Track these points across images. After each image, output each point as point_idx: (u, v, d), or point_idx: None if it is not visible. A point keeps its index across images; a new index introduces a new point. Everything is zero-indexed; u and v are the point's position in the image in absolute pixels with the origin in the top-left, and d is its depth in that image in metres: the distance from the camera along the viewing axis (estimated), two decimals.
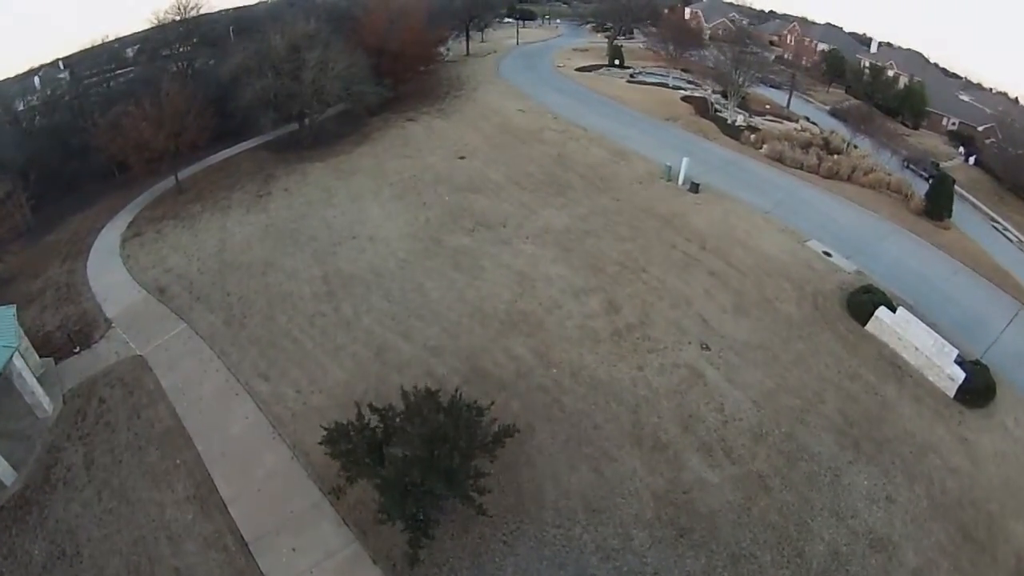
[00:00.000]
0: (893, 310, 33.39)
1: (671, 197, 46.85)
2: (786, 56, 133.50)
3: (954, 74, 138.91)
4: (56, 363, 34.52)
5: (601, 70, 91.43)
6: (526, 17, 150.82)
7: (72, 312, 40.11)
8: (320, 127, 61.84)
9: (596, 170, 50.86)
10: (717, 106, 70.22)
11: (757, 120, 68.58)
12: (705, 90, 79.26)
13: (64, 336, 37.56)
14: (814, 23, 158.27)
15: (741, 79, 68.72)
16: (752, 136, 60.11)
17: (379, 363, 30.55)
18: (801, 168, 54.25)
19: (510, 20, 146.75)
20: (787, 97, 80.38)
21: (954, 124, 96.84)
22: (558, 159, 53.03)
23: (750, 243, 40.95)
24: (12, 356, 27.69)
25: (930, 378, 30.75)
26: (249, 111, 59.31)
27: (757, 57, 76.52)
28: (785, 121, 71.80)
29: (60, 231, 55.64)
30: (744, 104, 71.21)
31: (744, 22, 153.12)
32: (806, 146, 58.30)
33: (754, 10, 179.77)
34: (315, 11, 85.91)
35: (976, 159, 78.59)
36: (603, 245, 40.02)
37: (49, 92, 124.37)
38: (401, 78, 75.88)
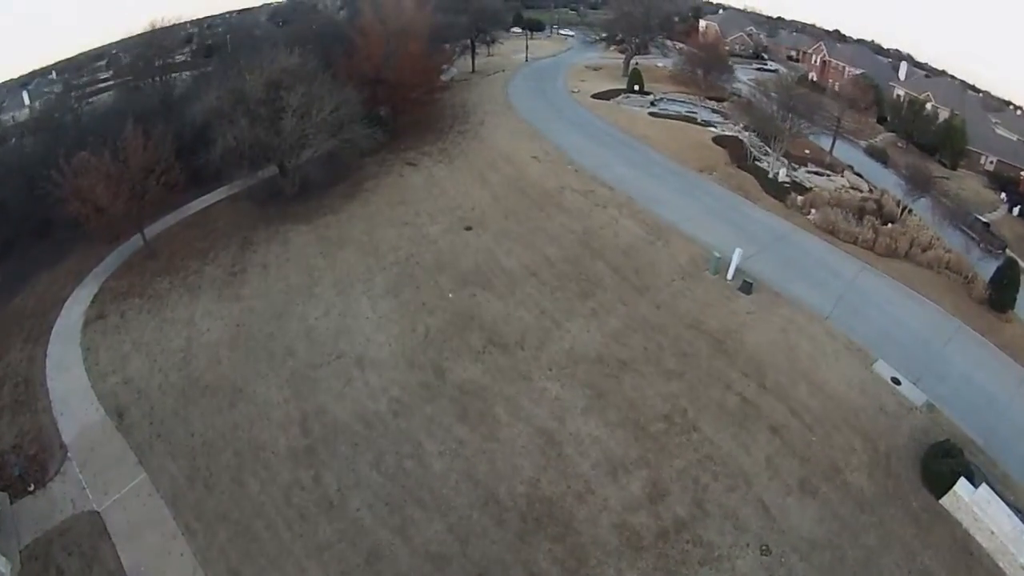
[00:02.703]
0: (971, 476, 28.25)
1: (721, 302, 40.05)
2: (811, 76, 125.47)
3: (974, 87, 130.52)
4: (11, 502, 31.48)
5: (619, 97, 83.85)
6: (534, 28, 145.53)
7: (28, 426, 35.85)
8: (305, 173, 54.99)
9: (630, 256, 43.99)
10: (755, 152, 62.92)
11: (801, 173, 61.27)
12: (737, 126, 71.80)
13: (19, 459, 33.85)
14: (835, 39, 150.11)
15: (789, 126, 61.10)
16: (799, 198, 53.19)
17: (371, 575, 24.83)
18: (856, 243, 47.73)
19: (518, 30, 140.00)
20: (831, 142, 72.69)
21: (992, 163, 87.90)
22: (583, 238, 45.03)
23: (815, 375, 34.24)
24: None
25: (1001, 564, 26.34)
26: (222, 162, 52.28)
27: (808, 100, 68.32)
28: (830, 173, 64.55)
29: (26, 294, 50.96)
30: (777, 141, 64.08)
31: (761, 36, 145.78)
32: (859, 212, 51.58)
33: (768, 18, 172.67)
34: (304, 37, 78.27)
35: (1021, 209, 70.45)
36: (645, 385, 33.24)
37: (39, 105, 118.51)
38: (400, 109, 68.53)
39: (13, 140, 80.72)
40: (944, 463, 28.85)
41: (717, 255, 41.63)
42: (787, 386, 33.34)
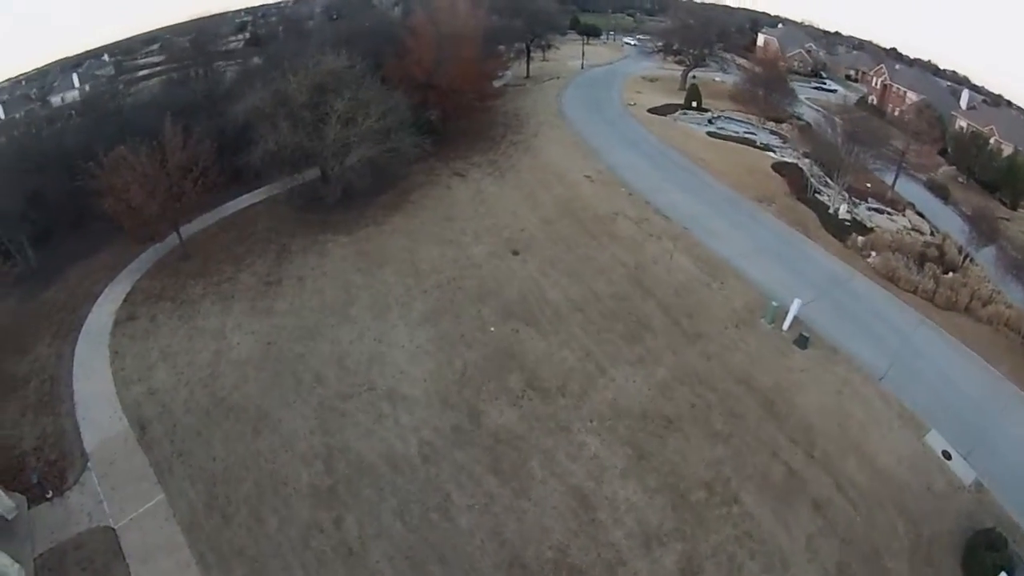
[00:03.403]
0: (1012, 571, 27.54)
1: (775, 356, 38.90)
2: (871, 99, 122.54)
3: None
4: (28, 507, 32.33)
5: (676, 113, 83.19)
6: (591, 33, 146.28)
7: (51, 429, 36.85)
8: (349, 180, 54.58)
9: (682, 297, 42.56)
10: (816, 183, 61.34)
11: (862, 210, 59.65)
12: (797, 152, 70.13)
13: (39, 463, 34.92)
14: (892, 59, 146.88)
15: (853, 158, 59.44)
16: (860, 239, 52.06)
17: None
18: (915, 292, 46.86)
19: (574, 35, 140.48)
20: (893, 176, 70.44)
21: None
22: (635, 273, 44.70)
23: (866, 445, 33.12)
24: None
25: None
26: (262, 164, 52.77)
27: (873, 130, 66.32)
28: (891, 211, 62.80)
29: (59, 286, 52.42)
30: (839, 175, 62.31)
31: (820, 53, 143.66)
32: (920, 258, 50.59)
33: (825, 33, 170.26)
34: (354, 36, 79.03)
35: None
36: (689, 448, 32.34)
37: (88, 88, 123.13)
38: (451, 115, 68.47)
39: (59, 124, 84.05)
40: (987, 556, 27.99)
41: (775, 304, 40.69)
42: (836, 457, 32.47)
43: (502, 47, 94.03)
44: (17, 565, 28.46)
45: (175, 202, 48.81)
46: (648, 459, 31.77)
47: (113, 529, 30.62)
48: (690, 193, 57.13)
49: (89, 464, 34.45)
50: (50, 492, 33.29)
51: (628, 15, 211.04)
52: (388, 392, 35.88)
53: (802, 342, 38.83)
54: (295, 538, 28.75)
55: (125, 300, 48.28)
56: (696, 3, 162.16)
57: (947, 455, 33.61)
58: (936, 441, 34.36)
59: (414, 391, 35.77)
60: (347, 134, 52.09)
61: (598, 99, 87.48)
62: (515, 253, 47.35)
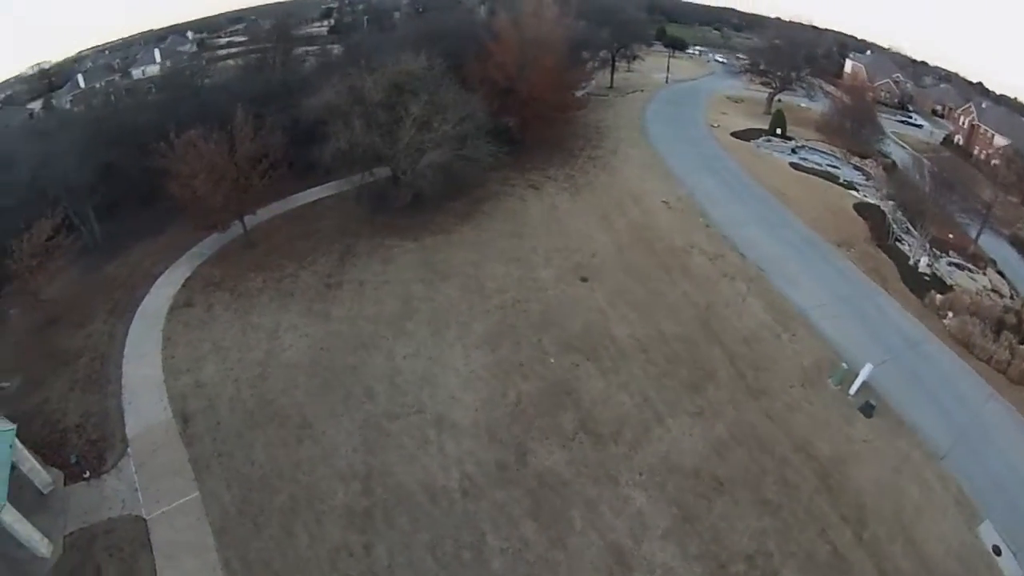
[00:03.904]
0: None
1: (838, 423, 37.18)
2: (956, 138, 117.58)
3: None
4: (64, 483, 33.54)
5: (760, 140, 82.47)
6: (677, 46, 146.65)
7: (96, 408, 38.21)
8: (420, 185, 54.41)
9: (751, 347, 41.53)
10: (897, 230, 59.08)
11: (943, 264, 57.28)
12: (880, 193, 67.65)
13: (80, 442, 36.32)
14: (982, 96, 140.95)
15: (938, 207, 56.97)
16: (938, 297, 50.28)
17: None
18: (989, 362, 44.73)
19: (659, 46, 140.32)
20: (978, 229, 67.17)
21: None
22: (704, 315, 43.92)
23: (916, 530, 31.61)
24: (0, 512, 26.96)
25: None
26: (332, 162, 53.40)
27: (963, 177, 63.50)
28: (972, 268, 60.26)
29: (121, 262, 54.64)
30: (924, 224, 59.77)
31: (908, 84, 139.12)
32: (998, 324, 48.42)
33: (912, 62, 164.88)
34: (437, 33, 79.82)
35: None
36: (736, 515, 31.08)
37: (169, 64, 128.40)
38: (530, 124, 68.24)
39: (137, 98, 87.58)
40: None
41: (844, 366, 39.49)
42: (884, 540, 30.96)
43: (587, 54, 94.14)
44: (46, 540, 29.64)
45: (240, 193, 49.97)
46: (693, 522, 30.89)
47: (144, 520, 31.41)
48: (769, 230, 56.03)
49: (129, 450, 35.47)
50: (87, 472, 34.39)
51: (715, 29, 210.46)
52: (437, 417, 35.78)
53: (867, 410, 37.50)
54: (323, 558, 28.81)
55: (184, 285, 49.78)
56: (784, 21, 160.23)
57: (997, 550, 31.92)
58: (988, 534, 32.79)
59: (463, 420, 35.58)
60: (421, 138, 51.89)
61: (681, 117, 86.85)
62: (583, 280, 46.81)
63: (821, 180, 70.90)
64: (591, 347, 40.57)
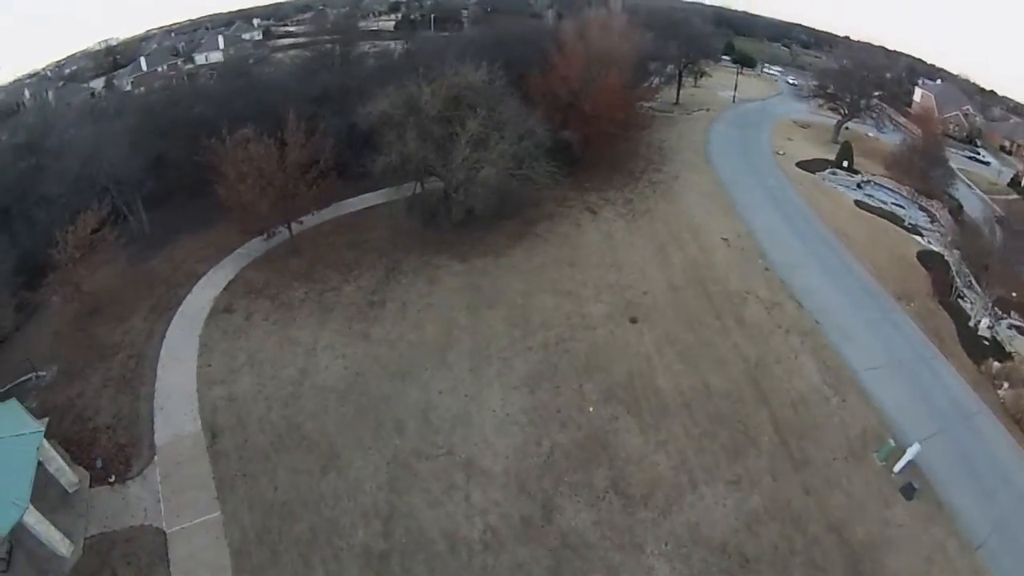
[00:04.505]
0: None
1: (876, 503, 35.99)
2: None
3: None
4: (90, 484, 35.05)
5: (825, 172, 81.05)
6: (745, 63, 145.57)
7: (127, 410, 39.81)
8: (473, 201, 54.20)
9: (799, 411, 40.37)
10: (960, 285, 57.32)
11: (1003, 327, 54.91)
12: (945, 239, 65.68)
13: (109, 443, 37.90)
14: None
15: (1006, 261, 55.01)
16: (995, 365, 48.34)
17: None
18: None
19: (727, 61, 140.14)
20: None
21: None
22: (754, 372, 42.78)
23: None
24: (23, 515, 28.38)
25: None
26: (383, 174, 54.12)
27: None
28: None
29: (167, 256, 56.53)
30: (988, 281, 57.61)
31: (977, 118, 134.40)
32: None
33: (981, 90, 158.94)
34: (501, 40, 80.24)
35: None
36: None
37: (232, 52, 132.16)
38: (591, 141, 68.28)
39: (197, 83, 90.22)
40: None
41: (891, 443, 38.44)
42: None
43: (655, 65, 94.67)
44: (68, 542, 31.08)
45: (287, 201, 50.86)
46: None
47: (164, 533, 32.62)
48: (829, 277, 54.89)
49: (155, 458, 36.77)
50: (113, 477, 35.84)
51: (784, 46, 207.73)
52: (466, 462, 36.08)
53: (909, 491, 36.47)
54: None
55: (226, 288, 51.26)
56: (854, 41, 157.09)
57: None
58: None
59: (493, 467, 35.78)
60: (476, 157, 52.24)
61: (746, 142, 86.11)
62: (633, 321, 46.59)
63: (885, 222, 69.33)
64: (633, 398, 40.43)
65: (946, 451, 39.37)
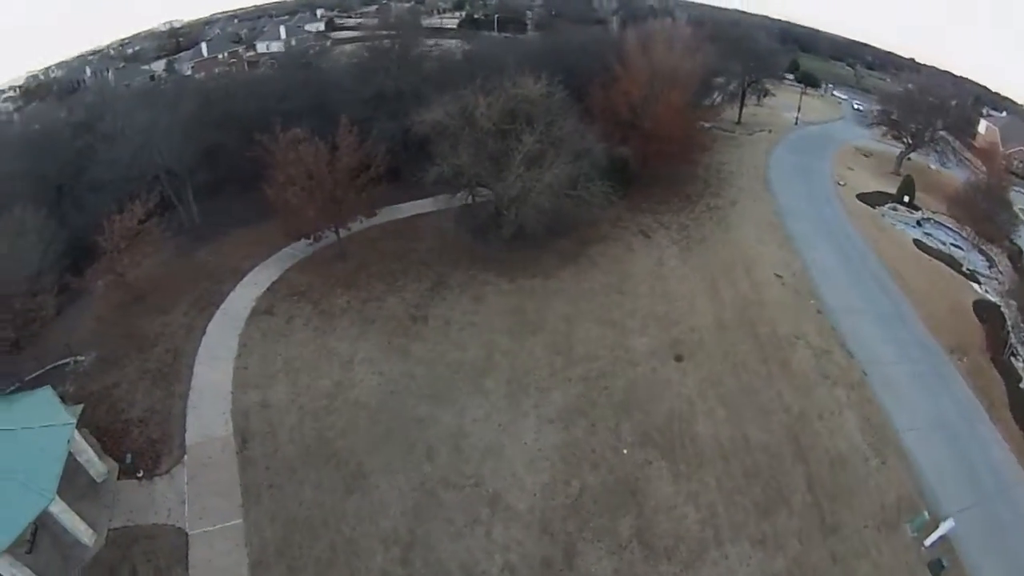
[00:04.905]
0: None
1: None
2: None
3: None
4: (118, 476, 36.38)
5: (885, 207, 79.22)
6: (809, 82, 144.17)
7: (161, 405, 40.96)
8: (524, 218, 53.65)
9: (835, 472, 39.00)
10: (1015, 341, 55.49)
11: None
12: (1002, 288, 63.63)
13: (140, 437, 39.15)
14: None
15: None
16: None
17: None
18: None
19: (791, 79, 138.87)
20: None
21: None
22: (795, 426, 41.61)
23: None
24: (48, 505, 29.60)
25: None
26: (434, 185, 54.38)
27: None
28: None
29: (214, 250, 58.27)
30: None
31: None
32: None
33: None
34: (562, 50, 79.77)
35: None
36: None
37: (294, 42, 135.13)
38: (649, 162, 67.56)
39: (257, 71, 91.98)
40: None
41: (926, 515, 37.20)
42: None
43: (718, 82, 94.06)
44: (91, 532, 32.41)
45: (335, 206, 51.52)
46: None
47: (187, 534, 33.59)
48: (882, 323, 53.37)
49: (184, 458, 37.82)
50: (141, 472, 36.97)
51: (848, 65, 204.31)
52: (493, 496, 36.17)
53: (937, 568, 35.44)
54: None
55: (269, 289, 52.27)
56: (920, 64, 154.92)
57: None
58: None
59: (519, 503, 35.76)
60: (530, 176, 52.00)
61: (807, 168, 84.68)
62: (678, 359, 46.10)
63: (943, 266, 67.34)
64: (669, 443, 39.83)
65: (981, 525, 38.23)
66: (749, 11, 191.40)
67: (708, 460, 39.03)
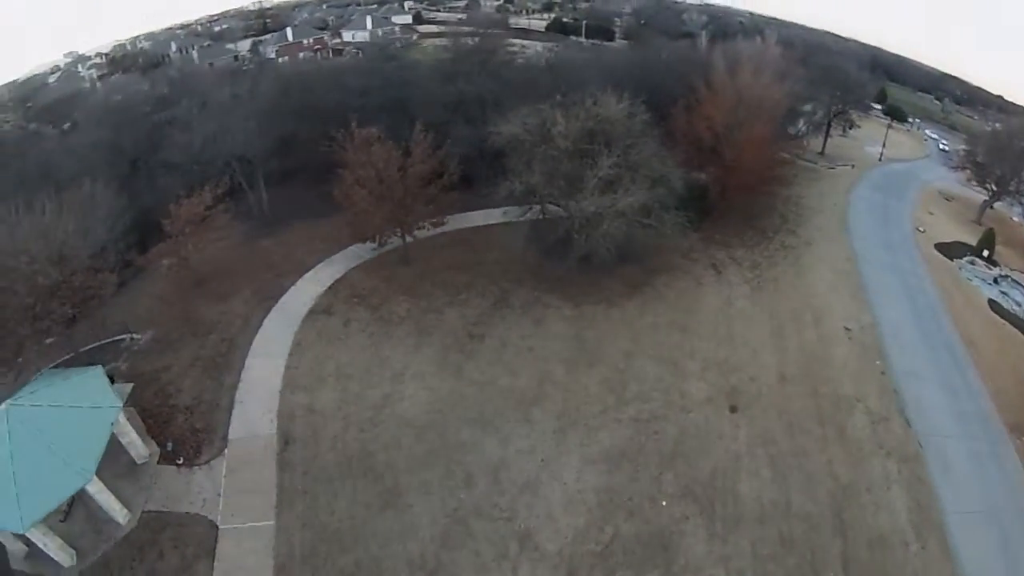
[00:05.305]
0: None
1: None
2: None
3: None
4: (159, 460, 38.20)
5: (963, 260, 76.33)
6: (896, 116, 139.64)
7: (208, 395, 42.60)
8: (594, 243, 52.45)
9: (873, 553, 36.98)
10: None
11: None
12: None
13: (184, 424, 40.77)
14: None
15: None
16: None
17: None
18: None
19: (878, 110, 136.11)
20: None
21: None
22: (840, 499, 39.76)
23: None
24: (86, 484, 31.41)
25: None
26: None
27: None
28: None
29: (280, 240, 60.11)
30: None
31: None
32: None
33: None
34: (646, 66, 78.91)
35: None
36: None
37: (380, 34, 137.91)
38: (727, 192, 66.38)
39: (342, 61, 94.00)
40: None
41: None
42: None
43: (804, 111, 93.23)
44: (126, 511, 34.26)
45: (403, 213, 52.19)
46: None
47: (217, 527, 34.82)
48: (946, 392, 50.84)
49: (226, 451, 39.10)
50: (181, 459, 38.49)
51: (936, 99, 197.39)
52: (525, 533, 35.88)
53: None
54: None
55: (330, 287, 53.50)
56: (1010, 103, 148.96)
57: None
58: None
59: (550, 545, 35.34)
60: (603, 201, 50.99)
61: (888, 210, 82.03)
62: (733, 410, 44.84)
63: (1018, 334, 63.92)
64: (710, 499, 38.56)
65: None
66: (840, 34, 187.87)
67: (746, 522, 37.88)
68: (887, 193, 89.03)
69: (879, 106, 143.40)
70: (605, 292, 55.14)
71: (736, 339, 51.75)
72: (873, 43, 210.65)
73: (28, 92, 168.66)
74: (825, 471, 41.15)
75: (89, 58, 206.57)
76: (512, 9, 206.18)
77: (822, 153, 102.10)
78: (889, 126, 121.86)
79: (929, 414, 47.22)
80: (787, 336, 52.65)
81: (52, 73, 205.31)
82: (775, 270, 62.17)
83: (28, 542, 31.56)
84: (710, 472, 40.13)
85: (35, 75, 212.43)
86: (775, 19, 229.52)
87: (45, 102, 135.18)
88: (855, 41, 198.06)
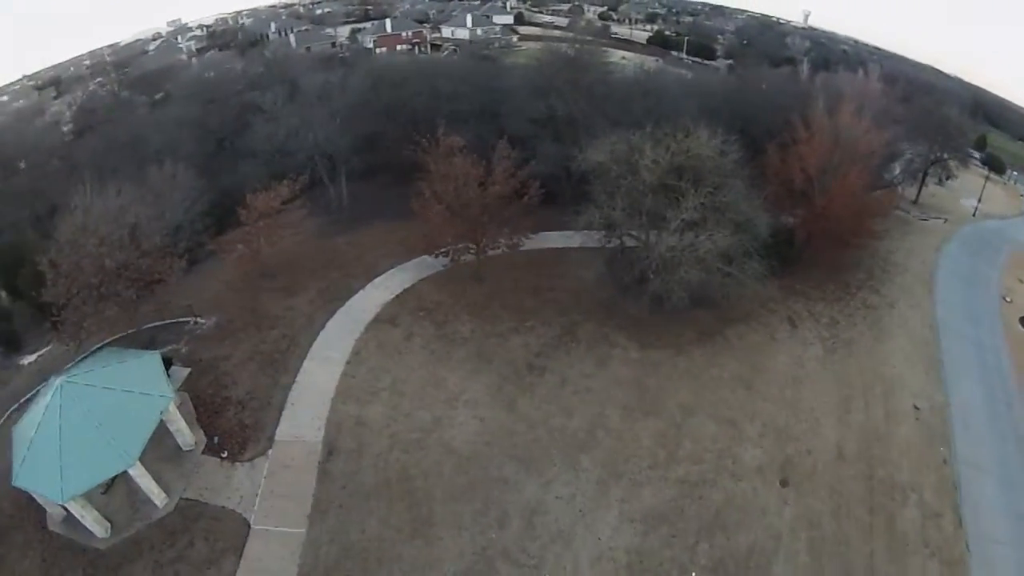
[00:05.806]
0: None
1: None
2: None
3: None
4: (204, 450, 40.11)
5: None
6: (994, 166, 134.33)
7: (262, 393, 44.22)
8: (668, 289, 52.17)
9: None
10: None
11: None
12: None
13: (234, 419, 42.56)
14: None
15: None
16: None
17: None
18: None
19: (976, 158, 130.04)
20: None
21: None
22: None
23: None
24: (128, 468, 33.50)
25: None
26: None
27: None
28: None
29: (354, 240, 61.91)
30: None
31: None
32: None
33: None
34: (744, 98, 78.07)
35: None
36: None
37: (480, 32, 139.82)
38: (813, 241, 64.75)
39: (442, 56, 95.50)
40: None
41: None
42: None
43: (902, 158, 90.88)
44: (164, 495, 36.20)
45: (478, 233, 53.02)
46: None
47: (249, 526, 36.23)
48: (1006, 491, 48.21)
49: (270, 452, 40.47)
50: (225, 452, 40.21)
51: None
52: None
53: None
54: None
55: (397, 296, 54.54)
56: None
57: None
58: None
59: None
60: (684, 244, 50.82)
61: (975, 275, 77.79)
62: (783, 484, 43.62)
63: None
64: None
65: None
66: (943, 70, 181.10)
67: None
68: (978, 255, 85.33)
69: (978, 154, 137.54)
70: (674, 337, 54.43)
71: (801, 405, 50.53)
72: (976, 82, 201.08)
73: (127, 58, 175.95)
74: (864, 566, 39.81)
75: (191, 29, 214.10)
76: (615, 18, 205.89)
77: (915, 202, 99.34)
78: (987, 177, 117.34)
79: (984, 514, 45.30)
80: (853, 409, 51.11)
81: (153, 40, 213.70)
82: (853, 331, 60.38)
83: (67, 508, 33.46)
84: (747, 548, 39.21)
85: (137, 40, 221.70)
86: (879, 50, 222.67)
87: (141, 71, 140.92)
88: (958, 79, 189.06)
